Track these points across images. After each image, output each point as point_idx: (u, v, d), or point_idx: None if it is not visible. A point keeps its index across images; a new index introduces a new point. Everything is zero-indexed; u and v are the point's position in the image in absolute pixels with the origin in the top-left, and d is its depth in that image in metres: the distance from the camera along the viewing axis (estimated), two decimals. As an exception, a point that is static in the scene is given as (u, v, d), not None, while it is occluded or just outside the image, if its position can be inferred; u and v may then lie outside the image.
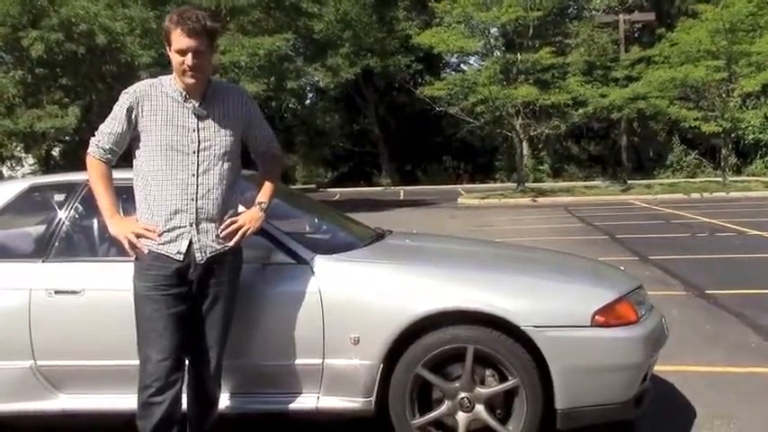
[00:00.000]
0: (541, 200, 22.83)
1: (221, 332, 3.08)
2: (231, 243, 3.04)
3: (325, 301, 3.26)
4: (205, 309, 3.03)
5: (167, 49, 2.94)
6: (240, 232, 3.05)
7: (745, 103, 26.95)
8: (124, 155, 3.10)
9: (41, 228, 3.69)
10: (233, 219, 3.05)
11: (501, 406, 3.26)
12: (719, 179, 25.41)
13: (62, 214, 3.63)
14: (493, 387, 3.24)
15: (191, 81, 2.93)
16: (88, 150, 3.06)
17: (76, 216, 3.65)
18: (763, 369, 4.65)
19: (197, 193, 2.96)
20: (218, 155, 3.00)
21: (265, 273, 3.34)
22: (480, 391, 3.24)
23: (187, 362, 3.07)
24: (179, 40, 2.88)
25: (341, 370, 3.26)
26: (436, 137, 37.41)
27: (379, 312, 3.23)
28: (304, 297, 3.27)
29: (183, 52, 2.88)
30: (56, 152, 24.01)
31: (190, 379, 3.09)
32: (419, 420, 3.26)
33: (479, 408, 3.23)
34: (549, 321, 3.19)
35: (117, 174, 3.12)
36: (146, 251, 2.95)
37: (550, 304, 3.26)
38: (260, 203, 3.15)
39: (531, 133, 27.79)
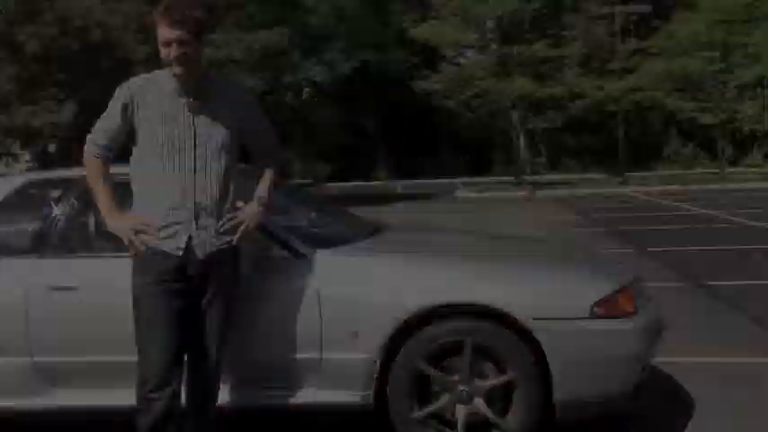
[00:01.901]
0: (539, 193, 22.83)
1: (221, 328, 3.06)
2: (234, 241, 3.02)
3: (323, 295, 3.25)
4: (205, 304, 3.02)
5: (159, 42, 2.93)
6: (241, 229, 3.03)
7: (741, 94, 26.95)
8: (121, 150, 3.08)
9: (38, 224, 3.67)
10: (232, 214, 3.04)
11: (500, 398, 3.26)
12: (716, 170, 25.46)
13: (59, 210, 3.61)
14: (492, 380, 3.24)
15: (178, 71, 2.90)
16: (85, 147, 3.04)
17: (73, 212, 3.63)
18: (762, 359, 4.65)
19: (195, 188, 2.94)
20: (216, 149, 2.97)
21: (263, 267, 3.33)
22: (479, 383, 3.23)
23: (186, 357, 3.06)
24: (163, 30, 2.86)
25: (339, 364, 3.25)
26: (433, 130, 37.35)
27: (378, 306, 3.22)
28: (302, 291, 3.26)
29: (167, 43, 2.86)
30: (52, 148, 23.98)
31: (189, 374, 3.08)
32: (418, 414, 3.25)
33: (478, 400, 3.22)
34: (548, 313, 3.18)
35: (113, 169, 3.09)
36: (145, 247, 2.94)
37: (549, 296, 3.25)
38: (259, 198, 3.14)
39: (529, 126, 27.77)
